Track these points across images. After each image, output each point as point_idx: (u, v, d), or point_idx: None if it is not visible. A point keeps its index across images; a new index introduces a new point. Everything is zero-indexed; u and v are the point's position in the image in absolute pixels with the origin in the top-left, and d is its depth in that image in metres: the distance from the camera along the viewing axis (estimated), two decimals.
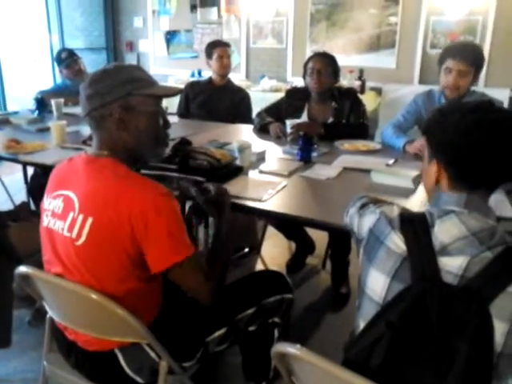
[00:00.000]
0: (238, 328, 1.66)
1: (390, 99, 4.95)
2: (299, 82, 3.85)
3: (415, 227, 1.11)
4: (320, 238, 2.99)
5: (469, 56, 2.38)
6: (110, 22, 6.84)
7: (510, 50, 4.72)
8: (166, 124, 1.55)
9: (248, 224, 3.13)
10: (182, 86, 3.85)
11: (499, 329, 0.99)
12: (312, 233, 3.01)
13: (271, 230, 3.13)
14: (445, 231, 1.08)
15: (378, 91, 5.13)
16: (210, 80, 3.72)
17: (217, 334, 1.60)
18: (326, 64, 2.88)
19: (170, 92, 1.57)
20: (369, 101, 4.79)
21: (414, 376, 1.03)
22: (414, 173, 1.97)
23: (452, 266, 1.04)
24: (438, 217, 1.10)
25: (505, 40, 4.71)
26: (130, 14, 6.71)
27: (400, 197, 1.82)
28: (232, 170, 2.11)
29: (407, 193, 1.88)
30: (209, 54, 3.63)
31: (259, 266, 3.09)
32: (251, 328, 1.71)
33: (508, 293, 0.99)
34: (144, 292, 1.44)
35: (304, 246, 3.03)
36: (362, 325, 1.15)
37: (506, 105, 4.59)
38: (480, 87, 4.79)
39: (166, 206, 1.35)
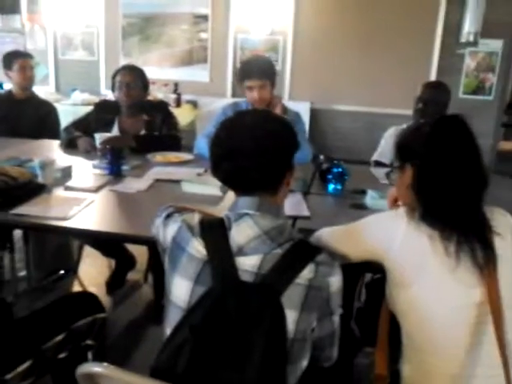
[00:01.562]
0: (46, 358, 1.54)
1: (206, 112, 5.11)
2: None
3: (214, 232, 1.16)
4: (141, 251, 2.94)
5: (262, 72, 2.60)
6: None
7: (308, 66, 5.24)
8: None
9: (61, 245, 2.93)
10: None
11: (290, 317, 1.08)
12: (132, 247, 2.94)
13: (89, 249, 2.98)
14: (240, 233, 1.14)
15: (194, 104, 5.27)
16: (9, 93, 3.41)
17: (20, 369, 1.46)
18: (134, 77, 2.86)
19: None
20: (185, 113, 4.89)
21: (219, 375, 1.07)
22: None
23: (248, 264, 1.11)
24: (235, 220, 1.17)
25: (303, 58, 5.22)
26: None
27: (209, 204, 1.88)
28: (32, 189, 1.96)
29: (216, 200, 1.95)
30: (8, 65, 3.33)
31: (76, 288, 2.91)
32: (61, 355, 1.60)
33: (295, 284, 1.09)
34: None
35: (124, 262, 2.95)
36: (168, 332, 1.16)
37: (307, 116, 5.08)
38: (285, 100, 5.23)
39: None
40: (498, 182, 3.06)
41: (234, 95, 5.24)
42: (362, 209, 1.95)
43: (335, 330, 1.23)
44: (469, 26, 4.81)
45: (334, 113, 5.31)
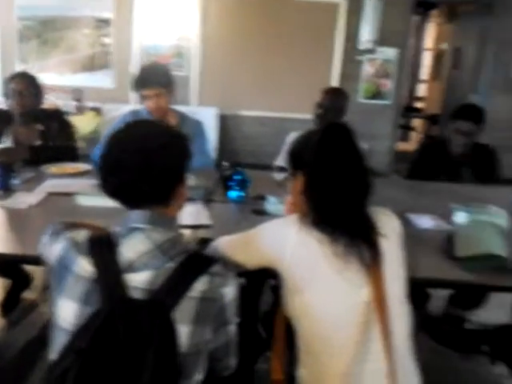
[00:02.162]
0: None
1: (111, 119, 4.94)
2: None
3: (102, 249, 1.12)
4: (37, 268, 2.77)
5: (157, 80, 2.56)
6: None
7: (214, 71, 5.25)
8: None
9: None
10: None
11: (183, 332, 1.06)
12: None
13: None
14: (130, 248, 1.11)
15: (98, 111, 5.08)
16: None
17: None
18: (26, 84, 2.70)
19: None
20: (87, 121, 4.71)
21: None
22: None
23: (138, 281, 1.07)
24: (125, 235, 1.13)
25: (211, 64, 5.22)
26: None
27: (106, 217, 1.81)
28: None
29: (113, 213, 1.88)
30: None
31: None
32: None
33: (188, 298, 1.06)
34: None
35: (19, 281, 2.77)
36: (54, 357, 1.09)
37: (214, 122, 5.09)
38: (193, 106, 5.22)
39: None
40: (394, 183, 3.28)
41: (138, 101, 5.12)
42: (262, 214, 1.97)
43: (232, 340, 1.23)
44: (367, 34, 5.07)
45: (241, 118, 5.37)
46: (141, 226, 1.13)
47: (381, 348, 1.20)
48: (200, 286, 1.08)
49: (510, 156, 5.05)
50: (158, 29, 5.11)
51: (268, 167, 2.85)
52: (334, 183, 1.26)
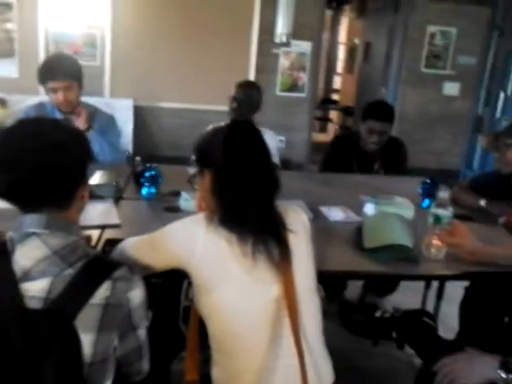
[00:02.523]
0: None
1: (17, 110, 4.63)
2: None
3: None
4: None
5: (67, 72, 2.43)
6: None
7: (128, 62, 5.08)
8: None
9: None
10: None
11: (86, 341, 1.01)
12: None
13: None
14: (26, 255, 1.04)
15: (2, 102, 4.75)
16: None
17: None
18: None
19: None
20: None
21: None
22: None
23: (35, 290, 1.01)
24: (19, 241, 1.06)
25: (124, 53, 5.04)
26: None
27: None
28: None
29: (9, 214, 1.76)
30: None
31: None
32: None
33: (90, 305, 1.02)
34: None
35: None
36: None
37: (129, 113, 4.94)
38: (106, 98, 5.02)
39: None
40: (308, 176, 3.36)
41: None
42: (175, 212, 1.93)
43: (142, 344, 1.19)
44: (281, 27, 5.13)
45: (158, 110, 5.25)
46: (37, 230, 1.07)
47: (292, 343, 1.22)
48: (103, 292, 1.03)
49: (416, 147, 5.38)
50: (65, 15, 4.84)
51: (187, 160, 2.80)
52: (240, 181, 1.26)
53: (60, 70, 2.41)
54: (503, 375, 1.24)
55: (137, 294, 1.11)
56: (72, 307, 1.00)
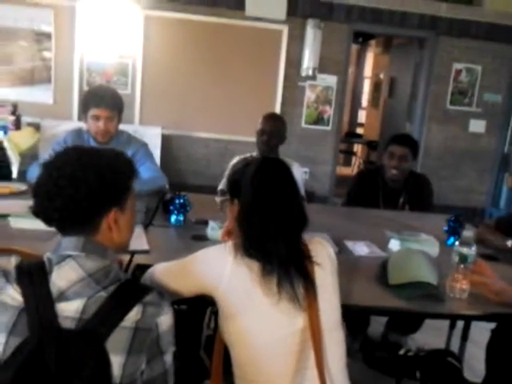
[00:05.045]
0: None
1: (50, 135, 4.78)
2: None
3: (32, 277, 1.08)
4: None
5: (111, 102, 2.48)
6: None
7: (158, 91, 5.23)
8: None
9: None
10: None
11: (116, 362, 1.04)
12: None
13: None
14: (62, 276, 1.08)
15: (36, 127, 4.91)
16: None
17: None
18: None
19: None
20: (25, 136, 4.53)
21: None
22: None
23: (69, 310, 1.05)
24: (56, 263, 1.10)
25: (153, 82, 5.20)
26: None
27: (40, 241, 1.74)
28: None
29: (48, 235, 1.82)
30: None
31: None
32: None
33: (121, 327, 1.05)
34: None
35: None
36: None
37: (157, 141, 5.05)
38: (136, 125, 5.15)
39: None
40: (333, 210, 3.37)
41: (80, 118, 5.01)
42: (202, 240, 1.97)
43: (168, 370, 1.20)
44: (307, 61, 5.23)
45: (186, 139, 5.36)
46: (73, 253, 1.11)
47: (316, 375, 1.22)
48: (133, 315, 1.07)
49: (442, 184, 5.36)
50: (99, 45, 5.04)
51: (213, 190, 2.85)
52: (265, 215, 1.29)
53: (106, 99, 2.46)
54: None
55: (166, 319, 1.13)
56: (104, 328, 1.04)
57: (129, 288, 1.12)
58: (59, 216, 1.12)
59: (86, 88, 4.99)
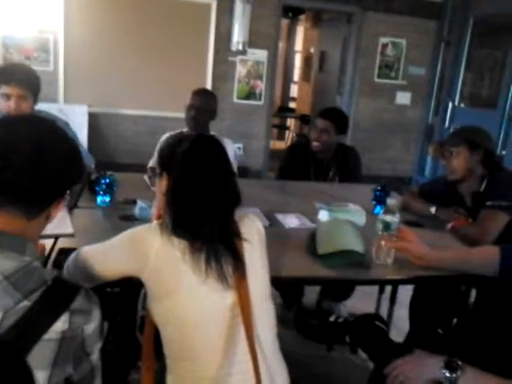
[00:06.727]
0: None
1: None
2: None
3: None
4: None
5: (25, 80, 2.29)
6: None
7: (82, 68, 5.00)
8: None
9: None
10: None
11: (41, 378, 0.93)
12: None
13: None
14: None
15: None
16: None
17: None
18: None
19: None
20: None
21: None
22: None
23: None
24: None
25: (77, 59, 4.95)
26: None
27: None
28: None
29: None
30: None
31: None
32: None
33: (45, 340, 0.93)
34: None
35: None
36: None
37: (85, 120, 4.86)
38: (61, 104, 4.92)
39: None
40: (265, 184, 3.40)
41: None
42: (131, 220, 1.92)
43: (95, 366, 1.09)
44: (237, 35, 5.17)
45: (114, 116, 5.18)
46: None
47: (246, 349, 1.23)
48: (59, 326, 0.94)
49: (371, 155, 5.53)
50: (16, 18, 4.72)
51: (143, 168, 2.77)
52: (198, 192, 1.27)
53: (17, 75, 2.28)
54: (447, 374, 1.30)
55: (92, 325, 1.02)
56: (24, 342, 0.91)
57: (55, 293, 0.97)
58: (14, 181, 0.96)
59: (0, 64, 4.69)
